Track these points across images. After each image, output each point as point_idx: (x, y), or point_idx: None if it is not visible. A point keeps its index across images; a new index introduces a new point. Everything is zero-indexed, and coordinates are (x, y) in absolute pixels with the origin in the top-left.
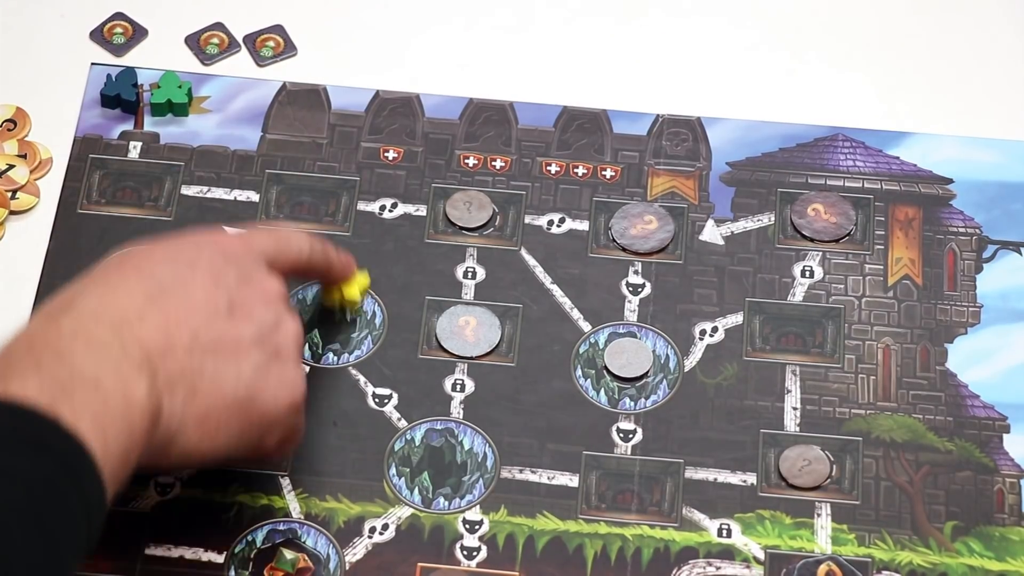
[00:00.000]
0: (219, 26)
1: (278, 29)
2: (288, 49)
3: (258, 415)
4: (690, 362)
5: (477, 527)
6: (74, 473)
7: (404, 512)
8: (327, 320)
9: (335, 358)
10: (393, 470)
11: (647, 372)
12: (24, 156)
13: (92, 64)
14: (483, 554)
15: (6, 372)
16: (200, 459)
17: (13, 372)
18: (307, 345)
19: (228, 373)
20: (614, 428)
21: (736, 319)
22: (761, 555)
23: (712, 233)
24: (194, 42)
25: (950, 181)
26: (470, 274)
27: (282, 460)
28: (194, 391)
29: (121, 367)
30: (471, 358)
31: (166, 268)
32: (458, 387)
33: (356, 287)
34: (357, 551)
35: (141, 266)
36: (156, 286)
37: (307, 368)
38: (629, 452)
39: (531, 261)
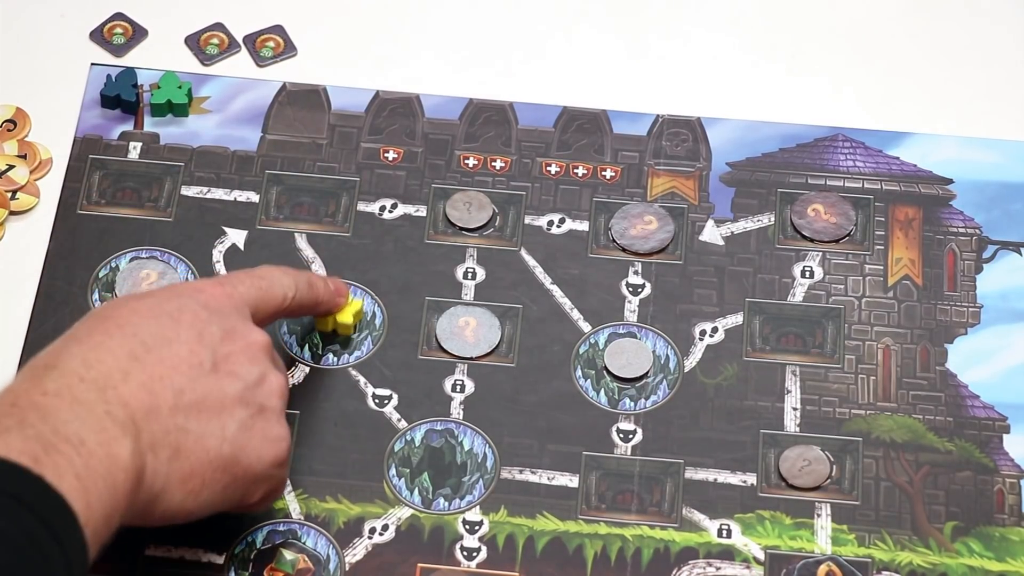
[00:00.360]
0: (219, 26)
1: (278, 29)
2: (288, 49)
3: (242, 472)
4: (690, 362)
5: (477, 528)
6: (57, 532)
7: (404, 513)
8: None
9: (335, 359)
10: (393, 471)
11: (647, 372)
12: (24, 156)
13: (92, 64)
14: (483, 555)
15: None
16: (184, 517)
17: None
18: (307, 345)
19: (212, 432)
20: (614, 428)
21: (736, 319)
22: (761, 555)
23: (712, 233)
24: (194, 42)
25: (950, 181)
26: (470, 274)
27: (265, 510)
28: (178, 450)
29: (105, 427)
30: (471, 359)
31: (149, 324)
32: (458, 388)
33: (349, 312)
34: (357, 552)
35: (124, 323)
36: (139, 344)
37: (307, 369)
38: (629, 452)
39: (531, 261)
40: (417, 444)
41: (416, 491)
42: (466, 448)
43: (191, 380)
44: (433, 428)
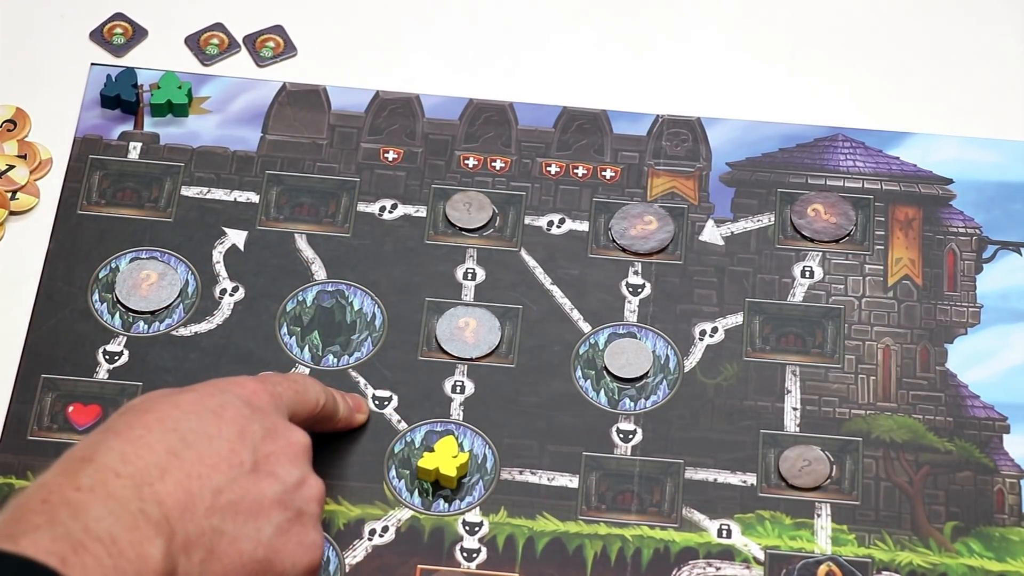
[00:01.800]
0: (219, 26)
1: (278, 29)
2: (288, 49)
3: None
4: (690, 362)
5: (477, 529)
6: None
7: (404, 514)
8: (327, 320)
9: (335, 360)
10: (393, 472)
11: (647, 372)
12: (24, 156)
13: (92, 64)
14: (483, 556)
15: (19, 526)
16: None
17: (26, 527)
18: (307, 347)
19: (247, 534)
20: (614, 429)
21: (736, 319)
22: (761, 555)
23: (712, 233)
24: (194, 42)
25: (950, 181)
26: (470, 275)
27: None
28: (211, 552)
29: (138, 525)
30: (471, 360)
31: (191, 420)
32: (458, 389)
33: (453, 466)
34: (357, 553)
35: (165, 417)
36: (179, 439)
37: (307, 370)
38: (629, 453)
39: (531, 262)
40: (417, 445)
41: (416, 492)
42: (466, 449)
43: (230, 479)
44: (433, 429)
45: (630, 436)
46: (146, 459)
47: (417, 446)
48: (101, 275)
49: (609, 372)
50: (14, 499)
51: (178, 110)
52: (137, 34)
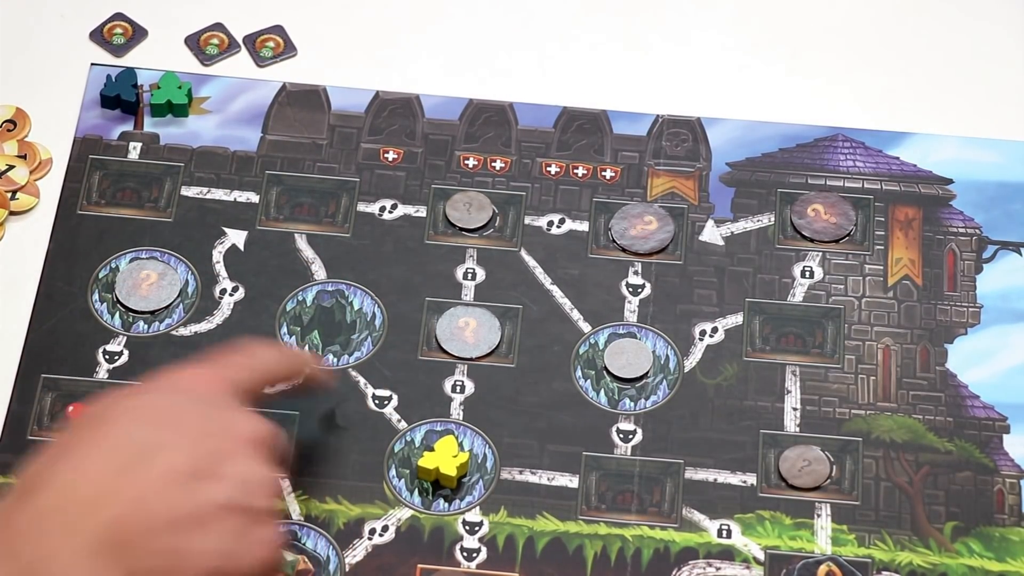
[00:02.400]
0: (219, 26)
1: (278, 29)
2: (288, 49)
3: (235, 574)
4: (690, 362)
5: (477, 528)
6: None
7: (404, 514)
8: (327, 320)
9: (335, 359)
10: (393, 471)
11: (647, 372)
12: (24, 156)
13: (92, 64)
14: (483, 555)
15: None
16: None
17: None
18: (307, 346)
19: (197, 547)
20: (614, 429)
21: (736, 319)
22: (761, 555)
23: (712, 233)
24: (194, 42)
25: (950, 181)
26: (470, 275)
27: None
28: (168, 573)
29: (82, 557)
30: (471, 359)
31: (134, 433)
32: (458, 388)
33: (453, 466)
34: (357, 553)
35: (109, 433)
36: (128, 457)
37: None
38: (629, 453)
39: (531, 262)
40: (417, 445)
41: (416, 492)
42: (466, 449)
43: (175, 496)
44: (433, 429)
45: (630, 436)
46: (94, 483)
47: (417, 445)
48: (101, 275)
49: (609, 372)
50: None
51: (178, 110)
52: (137, 34)
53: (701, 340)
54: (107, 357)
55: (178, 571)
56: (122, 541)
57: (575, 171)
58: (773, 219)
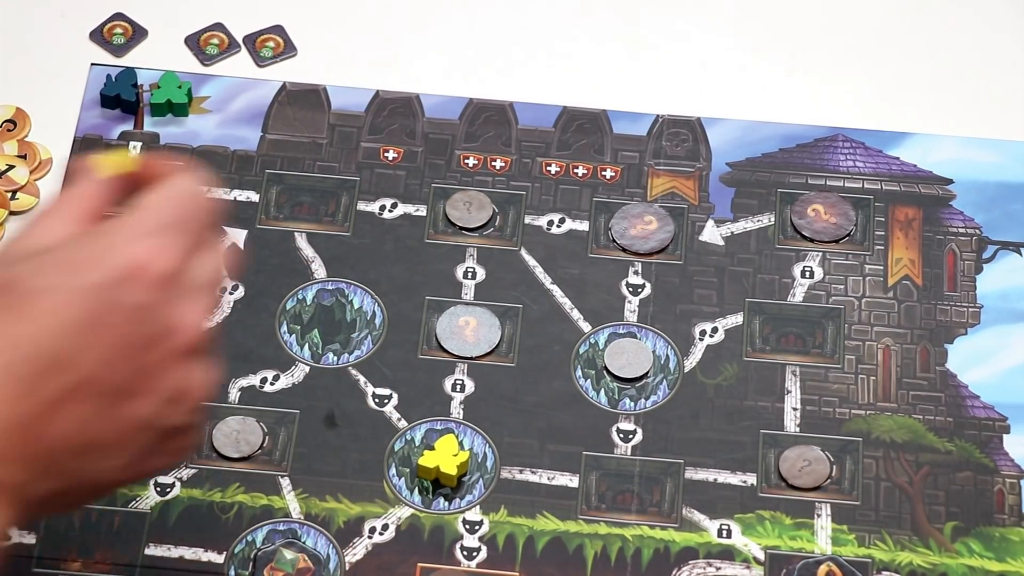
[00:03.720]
0: (219, 26)
1: (278, 29)
2: (288, 49)
3: (146, 476)
4: (690, 362)
5: (477, 527)
6: None
7: (404, 512)
8: (327, 319)
9: (335, 358)
10: (393, 470)
11: (647, 372)
12: (24, 156)
13: (92, 64)
14: (483, 554)
15: None
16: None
17: None
18: (306, 345)
19: (106, 466)
20: (614, 428)
21: (736, 319)
22: (761, 555)
23: (712, 233)
24: (194, 42)
25: (950, 181)
26: (470, 274)
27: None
28: (68, 489)
29: None
30: (471, 358)
31: (53, 338)
32: (458, 387)
33: (454, 464)
34: (357, 551)
35: (40, 312)
36: (35, 370)
37: (307, 368)
38: (629, 452)
39: (531, 261)
40: (417, 444)
41: (416, 491)
42: (466, 448)
43: (88, 416)
44: (433, 428)
45: (630, 436)
46: (2, 392)
47: (417, 444)
48: None
49: (609, 372)
50: None
51: (178, 110)
52: (137, 34)
53: (701, 340)
54: None
55: (80, 488)
56: (14, 477)
57: (575, 171)
58: (773, 219)
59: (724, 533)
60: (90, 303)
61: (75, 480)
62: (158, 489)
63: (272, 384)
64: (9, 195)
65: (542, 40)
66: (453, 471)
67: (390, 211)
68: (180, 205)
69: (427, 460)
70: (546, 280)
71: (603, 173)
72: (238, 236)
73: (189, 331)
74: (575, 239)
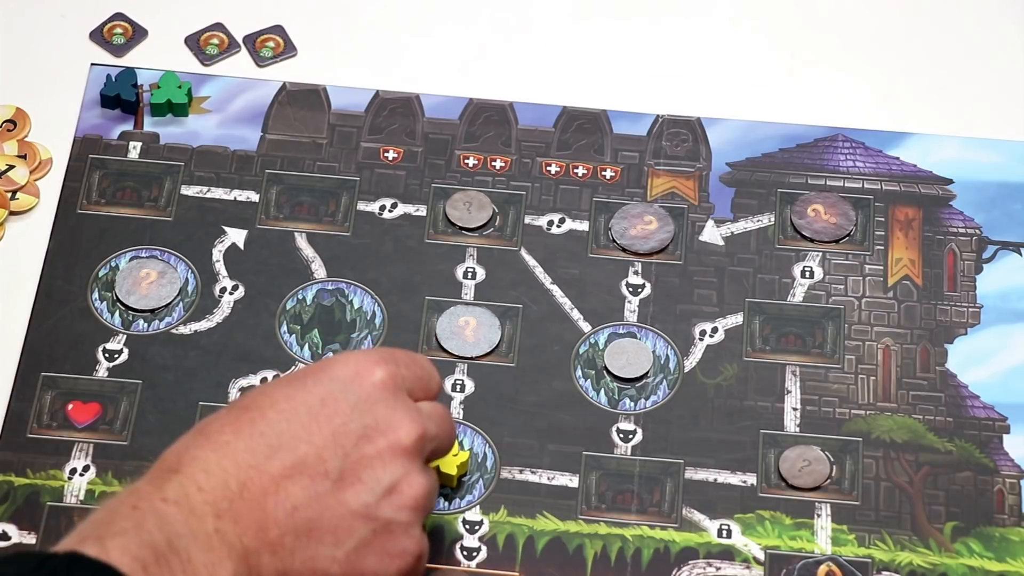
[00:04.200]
0: (219, 26)
1: (278, 29)
2: (288, 49)
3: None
4: (690, 362)
5: (477, 527)
6: None
7: None
8: (327, 319)
9: None
10: None
11: (647, 372)
12: (24, 156)
13: (92, 64)
14: (483, 554)
15: (109, 528)
16: None
17: (116, 529)
18: (306, 345)
19: (323, 553)
20: (614, 428)
21: (736, 319)
22: (761, 555)
23: (712, 233)
24: (194, 42)
25: (950, 181)
26: (470, 274)
27: None
28: (284, 573)
29: (213, 546)
30: (471, 358)
31: (282, 422)
32: (458, 387)
33: (454, 464)
34: None
35: (257, 418)
36: (265, 447)
37: None
38: (629, 452)
39: (531, 261)
40: None
41: None
42: (466, 448)
43: (310, 495)
44: None
45: (630, 436)
46: (228, 471)
47: None
48: (101, 274)
49: (609, 372)
50: (107, 501)
51: (178, 110)
52: (137, 34)
53: (701, 340)
54: (107, 355)
55: (295, 574)
56: (242, 537)
57: (575, 171)
58: (773, 219)
59: (724, 533)
60: (317, 394)
61: (295, 562)
62: None
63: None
64: (9, 195)
65: (542, 40)
66: (453, 471)
67: (390, 211)
68: (409, 355)
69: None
70: (546, 280)
71: (603, 173)
72: (238, 236)
73: (406, 432)
74: (575, 239)
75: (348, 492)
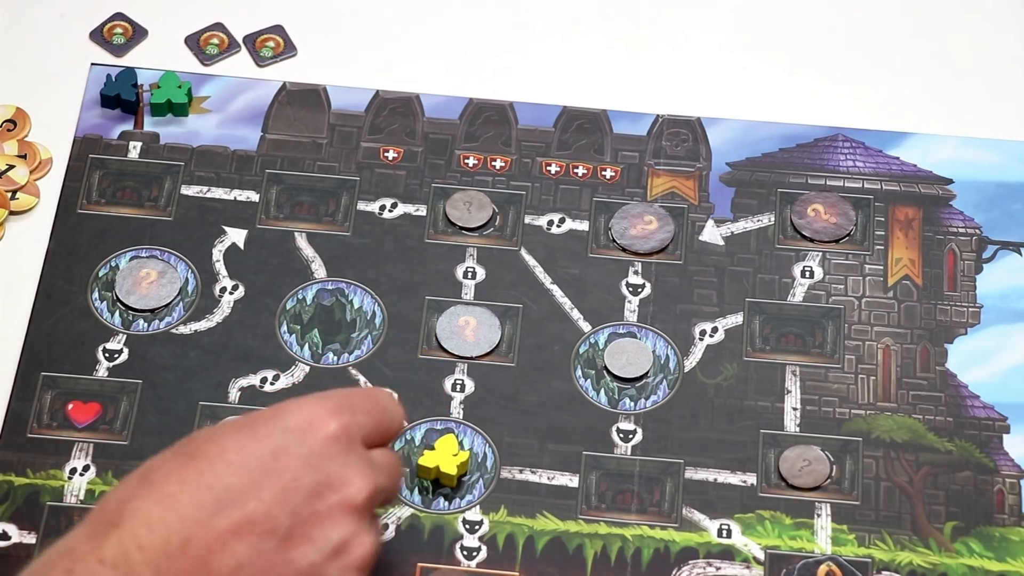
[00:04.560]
0: (219, 26)
1: (278, 29)
2: (288, 49)
3: None
4: (690, 362)
5: (477, 527)
6: None
7: (404, 512)
8: (327, 319)
9: (335, 358)
10: None
11: (647, 372)
12: (24, 156)
13: (92, 64)
14: (483, 554)
15: None
16: None
17: None
18: (307, 345)
19: None
20: (614, 428)
21: (736, 319)
22: (761, 555)
23: (712, 233)
24: (194, 42)
25: (950, 181)
26: (470, 274)
27: None
28: None
29: None
30: (471, 358)
31: (230, 475)
32: (458, 387)
33: (454, 464)
34: None
35: (205, 469)
36: (212, 500)
37: (307, 368)
38: (629, 452)
39: (531, 261)
40: (417, 443)
41: (416, 490)
42: (466, 448)
43: (255, 552)
44: (433, 427)
45: (630, 436)
46: (171, 527)
47: (417, 444)
48: (101, 274)
49: (609, 372)
50: (39, 559)
51: (178, 110)
52: (137, 34)
53: (701, 340)
54: (107, 355)
55: None
56: None
57: (575, 171)
58: (773, 219)
59: (724, 533)
60: (268, 445)
61: None
62: None
63: (272, 384)
64: (9, 195)
65: (542, 40)
66: (453, 471)
67: (390, 211)
68: (368, 397)
69: (427, 460)
70: (546, 280)
71: (603, 173)
72: (238, 236)
73: (357, 489)
74: (575, 239)
75: (295, 551)
